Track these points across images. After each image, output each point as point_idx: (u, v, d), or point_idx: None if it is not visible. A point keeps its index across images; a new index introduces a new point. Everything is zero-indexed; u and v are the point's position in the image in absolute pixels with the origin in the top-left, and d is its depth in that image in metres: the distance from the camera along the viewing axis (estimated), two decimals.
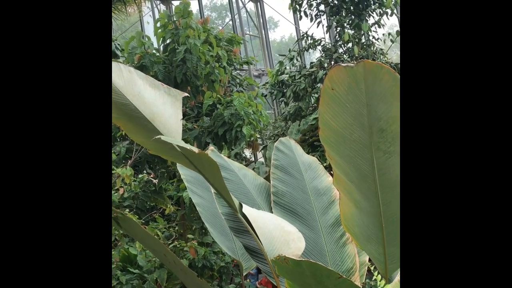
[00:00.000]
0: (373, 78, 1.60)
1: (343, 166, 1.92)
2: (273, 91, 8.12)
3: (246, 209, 2.27)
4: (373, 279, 4.24)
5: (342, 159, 1.89)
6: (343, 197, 2.06)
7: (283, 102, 8.07)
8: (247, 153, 10.97)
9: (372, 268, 3.83)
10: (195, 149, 1.85)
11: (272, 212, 2.69)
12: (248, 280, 7.16)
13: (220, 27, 15.25)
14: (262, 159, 9.29)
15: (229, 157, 6.02)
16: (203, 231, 5.09)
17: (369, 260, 2.74)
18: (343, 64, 1.61)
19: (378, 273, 2.01)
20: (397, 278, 2.36)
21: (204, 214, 2.84)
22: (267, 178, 2.94)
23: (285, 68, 8.09)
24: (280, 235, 2.34)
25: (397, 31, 8.05)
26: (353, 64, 1.60)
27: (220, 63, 5.52)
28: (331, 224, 2.75)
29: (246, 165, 9.71)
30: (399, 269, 2.27)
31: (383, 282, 1.65)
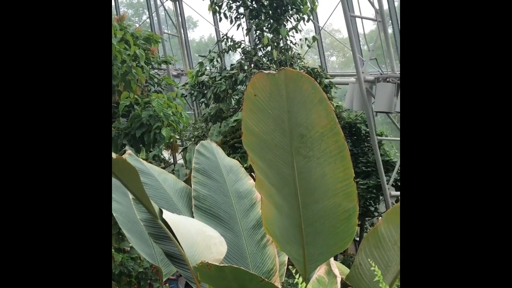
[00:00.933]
0: (294, 86, 1.64)
1: (265, 170, 1.95)
2: (193, 92, 8.04)
3: (167, 215, 2.22)
4: (294, 281, 4.36)
5: (264, 163, 1.92)
6: (265, 200, 2.10)
7: (203, 103, 8.02)
8: (166, 155, 10.74)
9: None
10: (112, 155, 1.77)
11: (193, 217, 2.66)
12: (167, 285, 7.01)
13: (137, 25, 14.77)
14: (181, 161, 9.15)
15: (147, 159, 5.84)
16: (120, 236, 4.89)
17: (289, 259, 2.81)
18: (265, 72, 1.64)
19: (298, 273, 2.07)
20: (314, 277, 2.44)
21: (121, 220, 2.73)
22: (187, 181, 2.91)
23: (205, 69, 8.06)
24: (201, 240, 2.32)
25: (313, 36, 8.37)
26: (275, 72, 1.64)
27: (137, 62, 5.35)
28: (252, 226, 2.78)
29: (165, 167, 9.50)
30: (317, 269, 2.36)
31: (304, 284, 1.69)
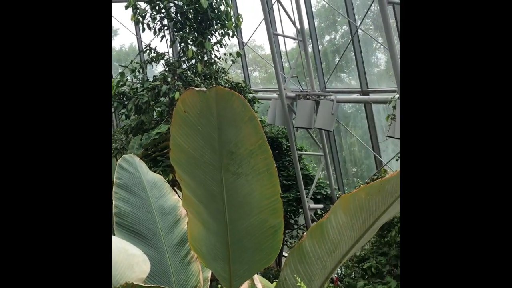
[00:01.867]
0: (224, 104, 1.65)
1: (193, 187, 1.93)
2: (113, 102, 7.74)
3: None
4: None
5: (193, 180, 1.90)
6: (192, 217, 2.07)
7: (123, 115, 7.75)
8: None
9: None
10: None
11: (114, 234, 2.54)
12: None
13: None
14: None
15: None
16: None
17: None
18: (196, 88, 1.63)
19: None
20: None
21: None
22: None
23: (127, 79, 7.81)
24: (124, 259, 2.23)
25: (237, 52, 8.49)
26: (205, 89, 1.64)
27: None
28: (176, 243, 2.72)
29: None
30: (242, 285, 2.37)
31: None
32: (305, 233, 2.07)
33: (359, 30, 8.44)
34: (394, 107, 6.35)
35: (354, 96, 8.79)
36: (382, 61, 9.26)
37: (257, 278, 2.74)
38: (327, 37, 10.56)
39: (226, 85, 8.37)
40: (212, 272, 2.59)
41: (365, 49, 8.88)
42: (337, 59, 9.51)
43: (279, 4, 8.85)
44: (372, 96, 8.37)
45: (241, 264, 2.19)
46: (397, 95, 6.10)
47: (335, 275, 7.06)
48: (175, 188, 2.97)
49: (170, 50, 8.76)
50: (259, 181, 1.87)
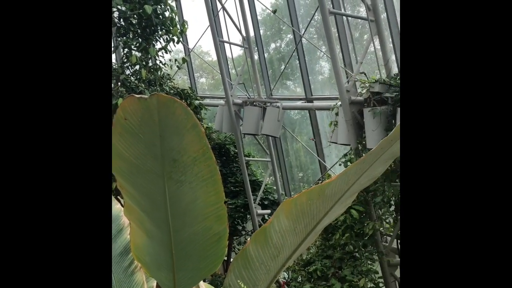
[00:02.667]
0: (166, 111, 1.64)
1: (136, 196, 1.90)
2: None
3: None
4: None
5: (135, 189, 1.87)
6: (135, 227, 2.04)
7: None
8: None
9: None
10: None
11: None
12: None
13: None
14: None
15: None
16: None
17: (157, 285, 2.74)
18: (137, 96, 1.62)
19: None
20: None
21: None
22: None
23: None
24: None
25: (182, 58, 8.43)
26: (146, 96, 1.62)
27: None
28: (119, 253, 2.66)
29: None
30: None
31: None
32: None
33: (303, 39, 8.65)
34: (337, 114, 6.56)
35: (299, 103, 8.98)
36: (326, 69, 9.53)
37: (203, 286, 2.74)
38: (273, 45, 10.73)
39: (172, 91, 8.27)
40: (157, 282, 2.55)
41: (309, 57, 9.11)
42: (282, 67, 9.69)
43: (224, 12, 8.90)
44: (316, 103, 8.59)
45: (185, 272, 2.18)
46: (339, 103, 6.30)
47: (282, 280, 7.15)
48: (118, 197, 2.91)
49: (113, 56, 8.55)
50: (203, 188, 1.87)
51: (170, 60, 8.27)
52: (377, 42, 6.31)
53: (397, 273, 6.24)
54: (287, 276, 7.52)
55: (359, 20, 7.15)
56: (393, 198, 6.13)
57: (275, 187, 9.60)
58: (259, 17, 9.93)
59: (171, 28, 7.61)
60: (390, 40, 6.59)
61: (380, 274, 6.15)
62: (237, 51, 11.52)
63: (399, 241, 6.29)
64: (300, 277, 6.46)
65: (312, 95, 8.79)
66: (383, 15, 6.53)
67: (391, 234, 6.28)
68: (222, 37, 9.38)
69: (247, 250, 2.06)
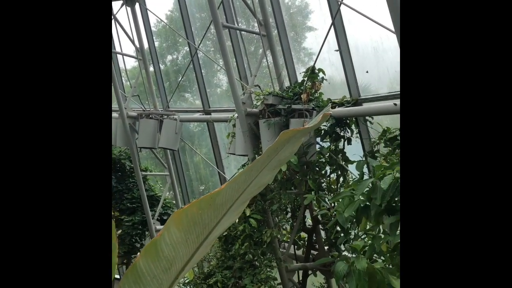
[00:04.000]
0: None
1: None
2: None
3: None
4: None
5: None
6: None
7: None
8: None
9: None
10: None
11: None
12: None
13: None
14: None
15: None
16: None
17: None
18: None
19: None
20: None
21: None
22: None
23: None
24: None
25: None
26: None
27: None
28: None
29: None
30: None
31: None
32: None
33: (200, 52, 8.69)
34: (234, 125, 6.67)
35: (196, 116, 8.97)
36: (224, 82, 9.67)
37: None
38: (169, 57, 10.62)
39: None
40: None
41: (206, 70, 9.17)
42: (179, 79, 9.62)
43: (116, 22, 8.62)
44: (214, 115, 8.66)
45: None
46: (236, 114, 6.42)
47: None
48: None
49: None
50: None
51: None
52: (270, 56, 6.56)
53: (295, 278, 6.47)
54: None
55: (254, 34, 7.38)
56: (289, 205, 6.37)
57: (174, 202, 9.44)
58: (154, 29, 9.78)
59: None
60: (282, 54, 6.90)
61: (279, 281, 6.32)
62: (131, 63, 11.20)
63: (296, 246, 6.54)
64: None
65: (210, 107, 8.84)
66: (275, 32, 6.82)
67: (288, 240, 6.51)
68: (115, 48, 9.06)
69: (137, 265, 1.98)
